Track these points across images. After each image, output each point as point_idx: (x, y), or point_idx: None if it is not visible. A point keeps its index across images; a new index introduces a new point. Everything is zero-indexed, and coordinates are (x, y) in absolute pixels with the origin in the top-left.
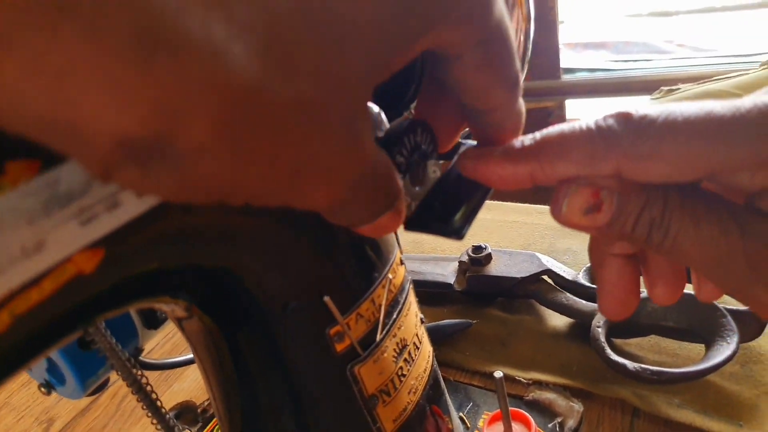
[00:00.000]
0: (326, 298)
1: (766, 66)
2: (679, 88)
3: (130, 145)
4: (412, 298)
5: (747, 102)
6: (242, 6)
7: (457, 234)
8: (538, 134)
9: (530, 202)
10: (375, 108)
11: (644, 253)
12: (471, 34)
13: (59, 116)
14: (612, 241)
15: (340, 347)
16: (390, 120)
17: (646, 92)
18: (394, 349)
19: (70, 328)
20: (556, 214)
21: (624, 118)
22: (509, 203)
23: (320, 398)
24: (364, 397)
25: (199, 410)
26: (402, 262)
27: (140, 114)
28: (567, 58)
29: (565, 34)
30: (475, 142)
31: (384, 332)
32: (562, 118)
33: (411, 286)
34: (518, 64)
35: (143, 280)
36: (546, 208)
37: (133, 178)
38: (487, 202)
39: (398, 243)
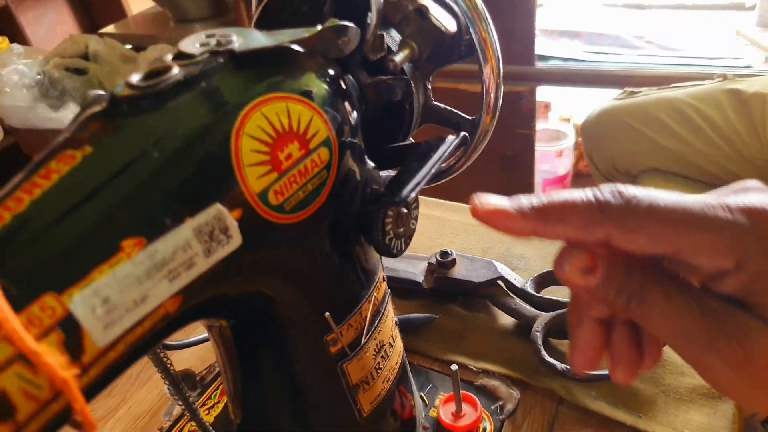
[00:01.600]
0: (327, 314)
1: (721, 78)
2: (641, 91)
3: None
4: (389, 306)
5: (712, 200)
6: None
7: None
8: (545, 198)
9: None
10: (371, 164)
11: (611, 334)
12: None
13: None
14: (595, 303)
15: (333, 349)
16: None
17: (612, 86)
18: (374, 349)
19: (153, 345)
20: (560, 272)
21: (618, 195)
22: (462, 208)
23: (314, 387)
24: (349, 387)
25: (198, 378)
26: (384, 279)
27: None
28: (542, 45)
29: (542, 20)
30: (454, 138)
31: (367, 337)
32: (532, 102)
33: (389, 297)
34: None
35: (205, 309)
36: None
37: None
38: (454, 205)
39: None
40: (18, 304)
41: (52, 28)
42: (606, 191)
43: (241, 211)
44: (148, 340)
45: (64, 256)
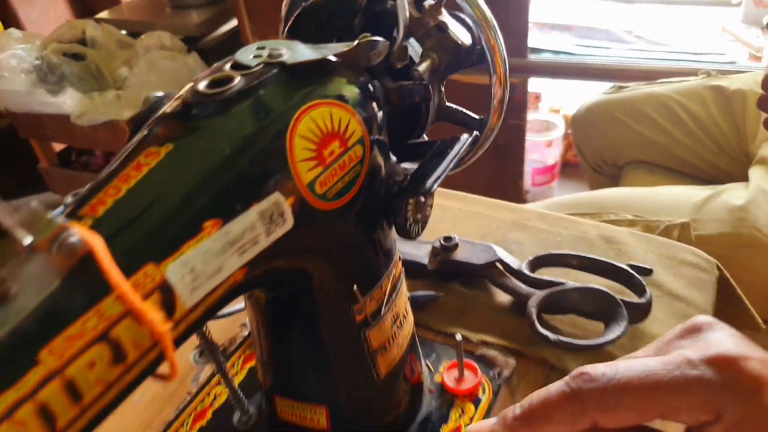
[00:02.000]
0: (355, 288)
1: (704, 75)
2: (629, 86)
3: None
4: (404, 284)
5: (675, 357)
6: None
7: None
8: (526, 404)
9: (489, 196)
10: (393, 158)
11: None
12: None
13: None
14: None
15: (358, 318)
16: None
17: (602, 79)
18: (391, 319)
19: (219, 309)
20: None
21: (588, 378)
22: (473, 195)
23: (340, 352)
24: (370, 351)
25: (221, 349)
26: (400, 259)
27: None
28: (534, 38)
29: (534, 12)
30: (468, 137)
31: (386, 308)
32: (524, 93)
33: (403, 275)
34: None
35: (258, 280)
36: (501, 202)
37: None
38: (455, 194)
39: None
40: (127, 272)
41: (46, 11)
42: (575, 378)
43: (294, 199)
44: (218, 304)
45: (160, 234)
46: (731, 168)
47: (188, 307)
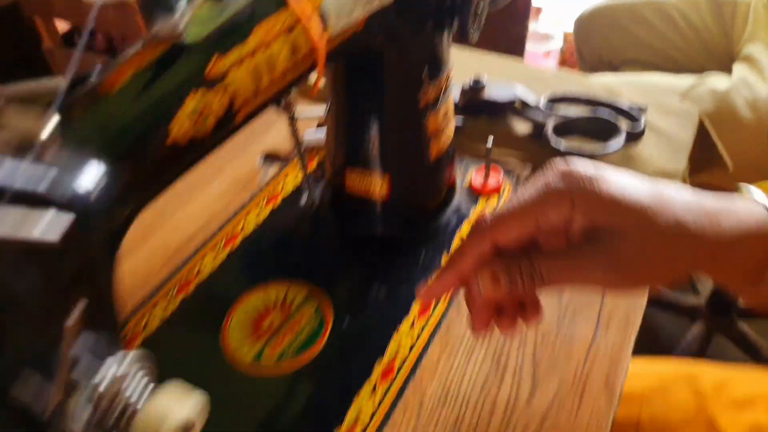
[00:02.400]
0: (424, 73)
1: None
2: None
3: None
4: (452, 90)
5: (539, 183)
6: None
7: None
8: (451, 255)
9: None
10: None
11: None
12: None
13: None
14: (515, 299)
15: (422, 103)
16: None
17: None
18: (443, 112)
19: (344, 51)
20: (477, 294)
21: (483, 217)
22: (498, 54)
23: (403, 131)
24: (426, 135)
25: (284, 158)
26: (450, 69)
27: None
28: None
29: None
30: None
31: (442, 100)
32: (527, 3)
33: (452, 83)
34: None
35: (355, 43)
36: (521, 63)
37: None
38: (481, 52)
39: None
40: None
41: None
42: (476, 221)
43: None
44: (345, 44)
45: None
46: (717, 68)
47: (332, 33)
